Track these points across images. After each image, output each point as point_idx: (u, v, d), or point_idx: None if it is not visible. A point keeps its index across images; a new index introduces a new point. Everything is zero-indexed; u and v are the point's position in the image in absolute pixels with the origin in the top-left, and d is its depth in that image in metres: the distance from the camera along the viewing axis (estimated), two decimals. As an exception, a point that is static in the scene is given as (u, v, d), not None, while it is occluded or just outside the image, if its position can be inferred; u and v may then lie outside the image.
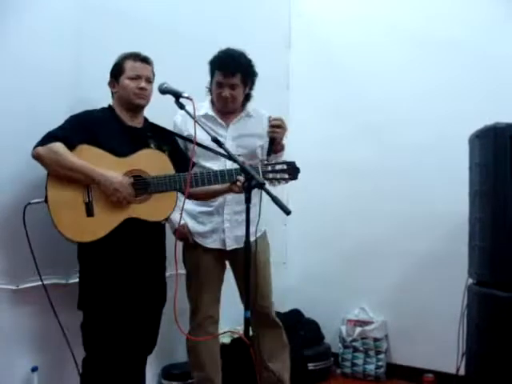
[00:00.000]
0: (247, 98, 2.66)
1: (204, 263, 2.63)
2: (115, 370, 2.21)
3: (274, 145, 2.44)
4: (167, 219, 2.37)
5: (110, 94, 2.34)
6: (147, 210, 2.20)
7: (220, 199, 2.58)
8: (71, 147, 2.12)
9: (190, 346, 2.66)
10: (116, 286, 2.20)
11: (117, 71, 2.30)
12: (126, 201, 2.15)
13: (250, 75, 2.59)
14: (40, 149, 2.09)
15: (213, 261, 2.64)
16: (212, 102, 2.65)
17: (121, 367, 2.24)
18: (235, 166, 2.20)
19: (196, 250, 2.64)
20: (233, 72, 2.49)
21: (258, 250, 2.55)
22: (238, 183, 2.19)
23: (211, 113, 2.62)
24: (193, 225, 2.64)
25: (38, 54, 2.35)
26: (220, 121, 2.62)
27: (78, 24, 2.49)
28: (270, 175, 2.24)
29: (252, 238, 2.62)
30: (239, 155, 2.39)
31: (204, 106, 2.62)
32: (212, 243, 2.62)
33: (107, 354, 2.19)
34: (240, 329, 2.17)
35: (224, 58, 2.52)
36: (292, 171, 2.24)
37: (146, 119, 2.38)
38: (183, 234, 2.60)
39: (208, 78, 2.61)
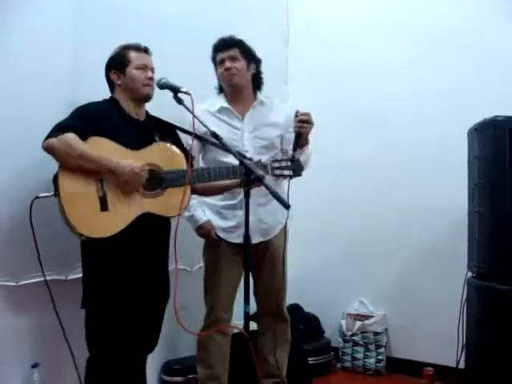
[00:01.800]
0: (256, 82, 2.67)
1: (226, 259, 2.59)
2: (118, 369, 2.14)
3: (300, 140, 2.40)
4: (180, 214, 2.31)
5: (109, 88, 2.31)
6: (161, 205, 2.16)
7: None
8: (83, 138, 2.06)
9: (200, 341, 2.65)
10: (122, 284, 2.14)
11: (121, 62, 2.25)
12: (137, 189, 2.10)
13: (249, 52, 2.61)
14: (52, 140, 2.02)
15: (235, 256, 2.57)
16: (225, 95, 2.66)
17: (123, 367, 2.17)
18: (258, 158, 2.31)
19: (219, 245, 2.61)
20: (229, 45, 2.56)
21: (286, 240, 2.63)
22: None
23: (226, 105, 2.63)
24: (216, 220, 2.61)
25: (38, 54, 2.34)
26: (235, 112, 2.62)
27: (78, 24, 2.48)
28: (277, 171, 2.28)
29: (279, 228, 2.67)
30: (246, 150, 2.48)
31: (218, 102, 2.64)
32: (237, 238, 2.57)
33: (111, 354, 2.12)
34: (240, 323, 2.16)
35: (219, 39, 2.61)
36: (296, 168, 2.30)
37: (147, 112, 2.36)
38: (207, 230, 2.58)
39: (214, 80, 2.65)
